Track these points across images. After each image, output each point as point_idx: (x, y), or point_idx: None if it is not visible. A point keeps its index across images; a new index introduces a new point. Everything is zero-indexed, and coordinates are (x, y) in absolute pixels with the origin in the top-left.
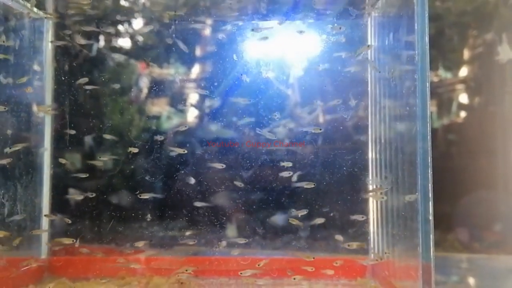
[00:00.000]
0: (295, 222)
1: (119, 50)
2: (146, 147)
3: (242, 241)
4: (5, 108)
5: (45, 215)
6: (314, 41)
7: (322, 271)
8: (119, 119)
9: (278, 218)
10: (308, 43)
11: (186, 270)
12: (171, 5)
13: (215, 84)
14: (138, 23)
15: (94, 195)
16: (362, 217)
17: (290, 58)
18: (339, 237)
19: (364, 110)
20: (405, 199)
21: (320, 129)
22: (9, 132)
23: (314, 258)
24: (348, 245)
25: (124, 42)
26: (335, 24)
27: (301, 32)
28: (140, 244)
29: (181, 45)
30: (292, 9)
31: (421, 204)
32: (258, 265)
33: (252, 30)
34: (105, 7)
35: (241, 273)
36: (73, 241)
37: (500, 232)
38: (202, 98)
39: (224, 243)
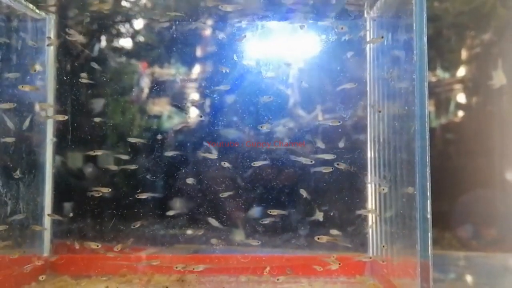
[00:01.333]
0: (275, 212)
1: (121, 50)
2: (146, 146)
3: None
4: (13, 105)
5: (48, 215)
6: (314, 41)
7: (321, 268)
8: (120, 119)
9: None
10: (308, 43)
11: (176, 268)
12: (171, 6)
13: (215, 83)
14: (139, 23)
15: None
16: (368, 211)
17: (289, 58)
18: (333, 232)
19: (363, 109)
20: (407, 191)
21: (339, 122)
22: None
23: (335, 256)
24: (318, 238)
25: (126, 42)
26: (339, 25)
27: (302, 26)
28: (118, 248)
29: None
30: (292, 9)
31: (419, 203)
32: (265, 272)
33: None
34: (106, 8)
35: (193, 268)
36: (97, 246)
37: (498, 231)
38: (203, 97)
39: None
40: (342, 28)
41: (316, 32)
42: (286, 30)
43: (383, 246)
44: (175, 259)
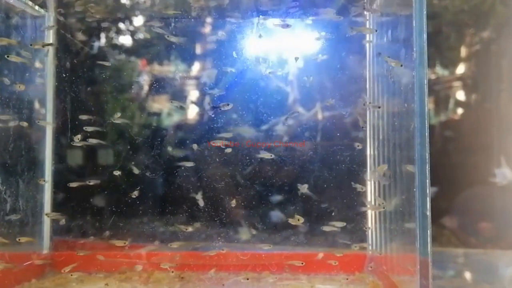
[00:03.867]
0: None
1: (120, 47)
2: (146, 143)
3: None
4: (20, 87)
5: (46, 214)
6: (314, 39)
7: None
8: (120, 116)
9: (277, 214)
10: (308, 41)
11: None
12: (171, 3)
13: (215, 81)
14: (138, 20)
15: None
16: (362, 188)
17: (289, 55)
18: (327, 228)
19: (362, 107)
20: (407, 168)
21: (379, 107)
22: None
23: (343, 253)
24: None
25: (125, 40)
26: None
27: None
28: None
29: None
30: (291, 7)
31: (419, 200)
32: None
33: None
34: (106, 6)
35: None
36: (124, 243)
37: (496, 227)
38: (202, 95)
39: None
40: (352, 29)
41: (315, 29)
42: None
43: (366, 228)
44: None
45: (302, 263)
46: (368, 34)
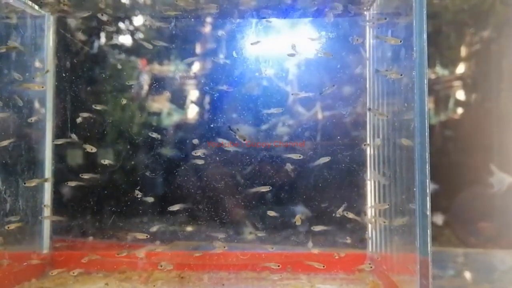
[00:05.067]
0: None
1: (120, 47)
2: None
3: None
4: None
5: (44, 206)
6: (313, 38)
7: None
8: (120, 116)
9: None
10: (307, 40)
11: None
12: (171, 2)
13: (215, 80)
14: (138, 20)
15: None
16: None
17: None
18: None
19: (362, 106)
20: (403, 142)
21: (387, 116)
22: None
23: (345, 254)
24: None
25: (125, 39)
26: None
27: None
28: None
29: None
30: (291, 6)
31: (419, 199)
32: None
33: None
34: (106, 5)
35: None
36: (146, 236)
37: (496, 227)
38: (202, 94)
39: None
40: (357, 40)
41: (314, 29)
42: (285, 27)
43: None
44: (175, 256)
45: (324, 266)
46: (393, 43)
